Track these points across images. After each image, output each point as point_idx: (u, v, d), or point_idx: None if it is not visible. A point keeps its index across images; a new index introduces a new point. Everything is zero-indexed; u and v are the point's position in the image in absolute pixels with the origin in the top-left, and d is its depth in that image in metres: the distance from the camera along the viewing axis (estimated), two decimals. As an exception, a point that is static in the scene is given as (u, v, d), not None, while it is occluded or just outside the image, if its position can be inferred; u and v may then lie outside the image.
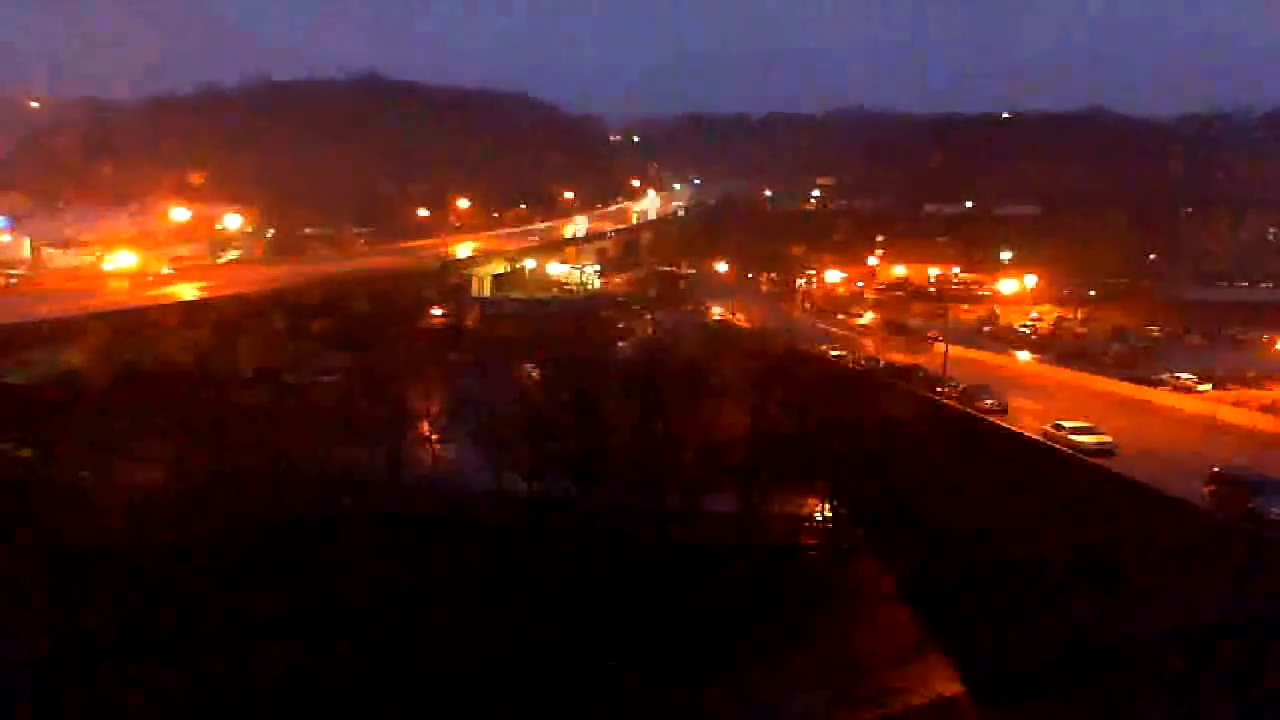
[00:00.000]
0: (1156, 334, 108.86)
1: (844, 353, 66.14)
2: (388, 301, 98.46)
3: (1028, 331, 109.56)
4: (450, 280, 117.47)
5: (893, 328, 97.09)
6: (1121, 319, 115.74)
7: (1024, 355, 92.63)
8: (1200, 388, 71.98)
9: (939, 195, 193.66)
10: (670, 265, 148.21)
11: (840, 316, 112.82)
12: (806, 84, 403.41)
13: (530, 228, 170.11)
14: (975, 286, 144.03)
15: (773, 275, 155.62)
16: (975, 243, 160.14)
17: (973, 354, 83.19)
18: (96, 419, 55.95)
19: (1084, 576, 36.14)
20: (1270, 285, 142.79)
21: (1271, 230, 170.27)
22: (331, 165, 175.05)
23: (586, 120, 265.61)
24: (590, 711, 34.56)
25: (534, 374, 56.08)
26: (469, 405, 46.57)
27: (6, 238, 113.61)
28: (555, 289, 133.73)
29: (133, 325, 69.58)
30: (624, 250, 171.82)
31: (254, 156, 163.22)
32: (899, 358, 69.07)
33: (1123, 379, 74.08)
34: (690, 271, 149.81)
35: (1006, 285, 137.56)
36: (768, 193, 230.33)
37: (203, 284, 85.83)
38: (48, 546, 34.73)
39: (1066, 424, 47.93)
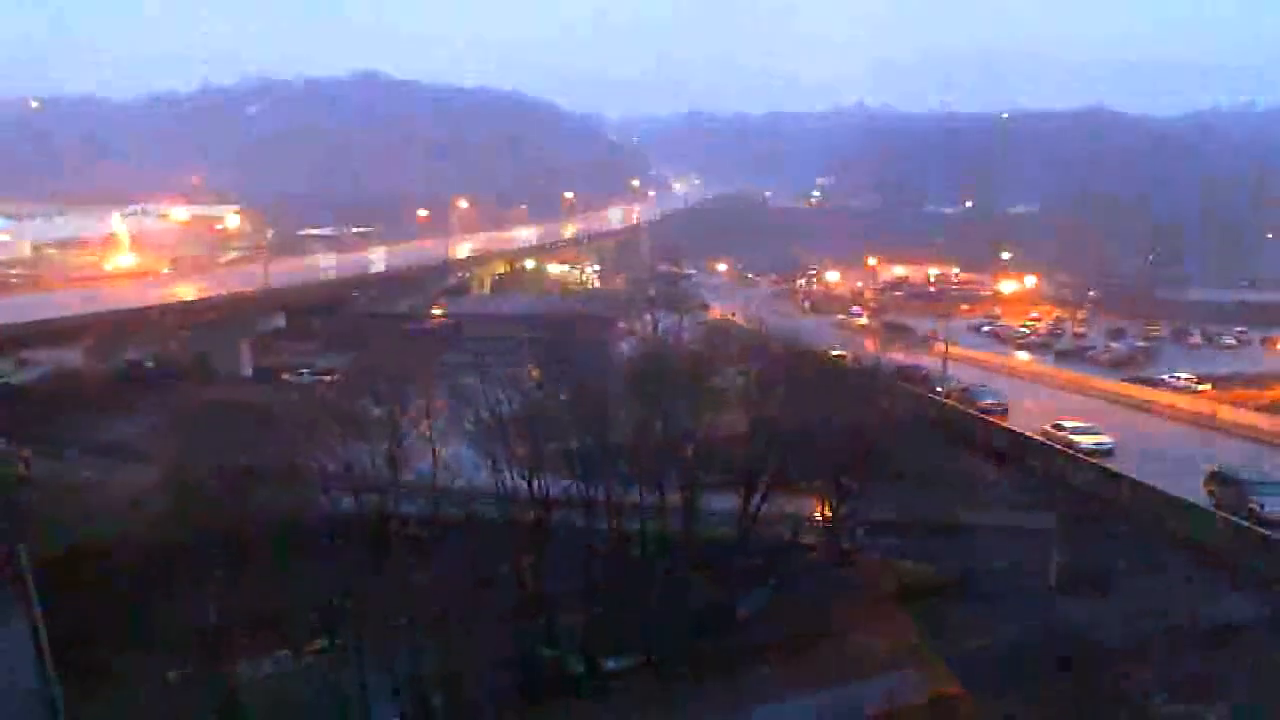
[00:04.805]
0: (1156, 334, 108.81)
1: (844, 352, 66.15)
2: (388, 301, 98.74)
3: (1027, 332, 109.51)
4: (450, 280, 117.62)
5: (893, 328, 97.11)
6: (1121, 319, 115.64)
7: (1024, 355, 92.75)
8: (1200, 388, 71.85)
9: (939, 195, 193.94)
10: (670, 265, 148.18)
11: (840, 316, 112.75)
12: (806, 84, 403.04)
13: (530, 228, 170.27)
14: (975, 286, 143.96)
15: (772, 275, 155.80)
16: (975, 243, 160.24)
17: (973, 354, 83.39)
18: (96, 419, 56.14)
19: (1086, 575, 36.23)
20: (1270, 285, 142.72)
21: (1270, 231, 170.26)
22: (332, 165, 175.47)
23: (586, 120, 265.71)
24: (590, 710, 34.58)
25: (534, 373, 56.01)
26: (469, 404, 46.41)
27: (6, 238, 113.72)
28: (555, 289, 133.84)
29: (132, 324, 69.90)
30: (624, 250, 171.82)
31: (254, 156, 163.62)
32: (899, 357, 69.16)
33: (1122, 379, 74.26)
34: (690, 271, 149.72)
35: (1006, 285, 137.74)
36: (768, 193, 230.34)
37: (204, 284, 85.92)
38: (46, 546, 34.71)
39: (1067, 424, 48.12)
